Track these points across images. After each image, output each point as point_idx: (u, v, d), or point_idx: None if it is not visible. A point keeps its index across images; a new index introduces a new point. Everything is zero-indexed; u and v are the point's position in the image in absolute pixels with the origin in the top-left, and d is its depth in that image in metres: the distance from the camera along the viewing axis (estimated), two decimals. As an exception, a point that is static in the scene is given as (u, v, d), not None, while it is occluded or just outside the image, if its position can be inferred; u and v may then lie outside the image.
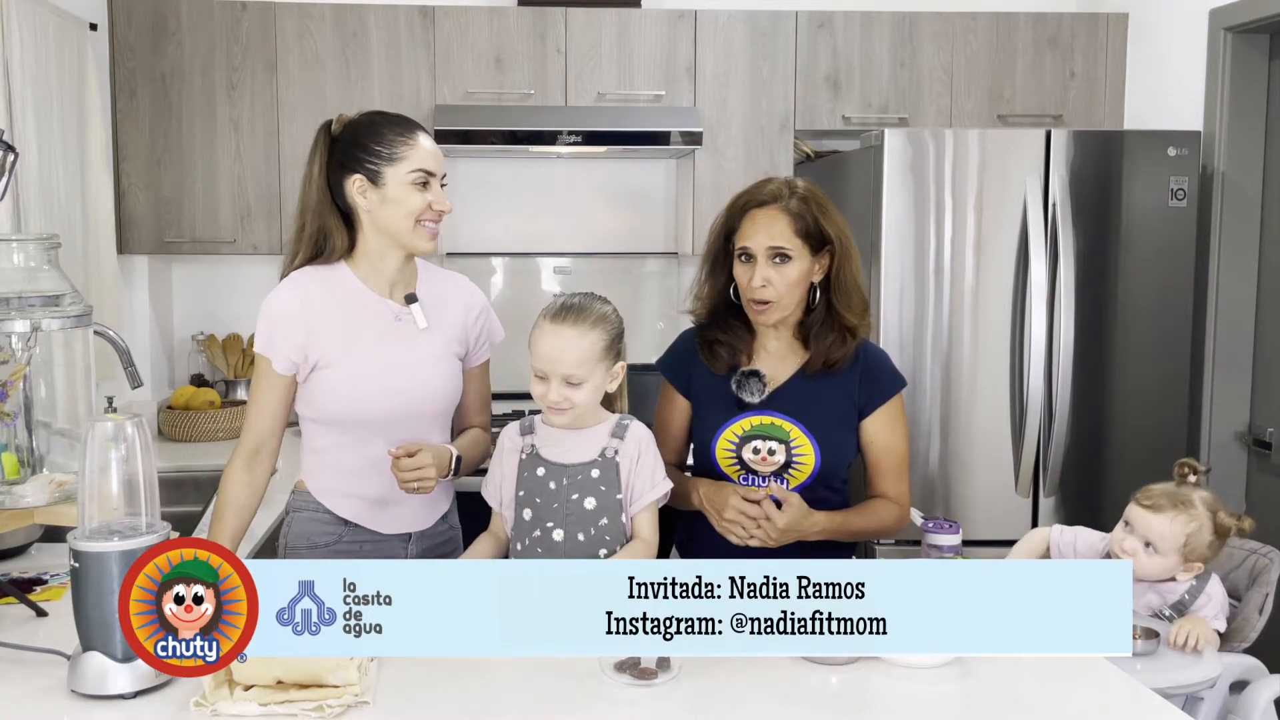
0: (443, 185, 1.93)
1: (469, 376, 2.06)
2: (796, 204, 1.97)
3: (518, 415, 2.72)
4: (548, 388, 1.80)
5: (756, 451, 2.00)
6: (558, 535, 1.82)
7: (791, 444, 1.99)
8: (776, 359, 2.05)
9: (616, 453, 1.83)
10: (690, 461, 2.15)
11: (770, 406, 2.00)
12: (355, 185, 1.89)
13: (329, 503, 1.98)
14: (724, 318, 2.06)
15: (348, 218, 1.94)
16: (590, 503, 1.81)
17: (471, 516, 2.07)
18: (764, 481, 2.00)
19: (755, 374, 2.01)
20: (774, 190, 2.00)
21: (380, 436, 1.92)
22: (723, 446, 2.02)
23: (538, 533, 1.83)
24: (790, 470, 2.00)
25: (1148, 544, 2.07)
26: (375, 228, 1.91)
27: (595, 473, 1.82)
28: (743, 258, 1.98)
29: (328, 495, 1.98)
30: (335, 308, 1.93)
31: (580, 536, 1.81)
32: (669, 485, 1.87)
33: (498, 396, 2.28)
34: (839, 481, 2.06)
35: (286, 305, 1.91)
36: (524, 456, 1.86)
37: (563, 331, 1.80)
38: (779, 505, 1.91)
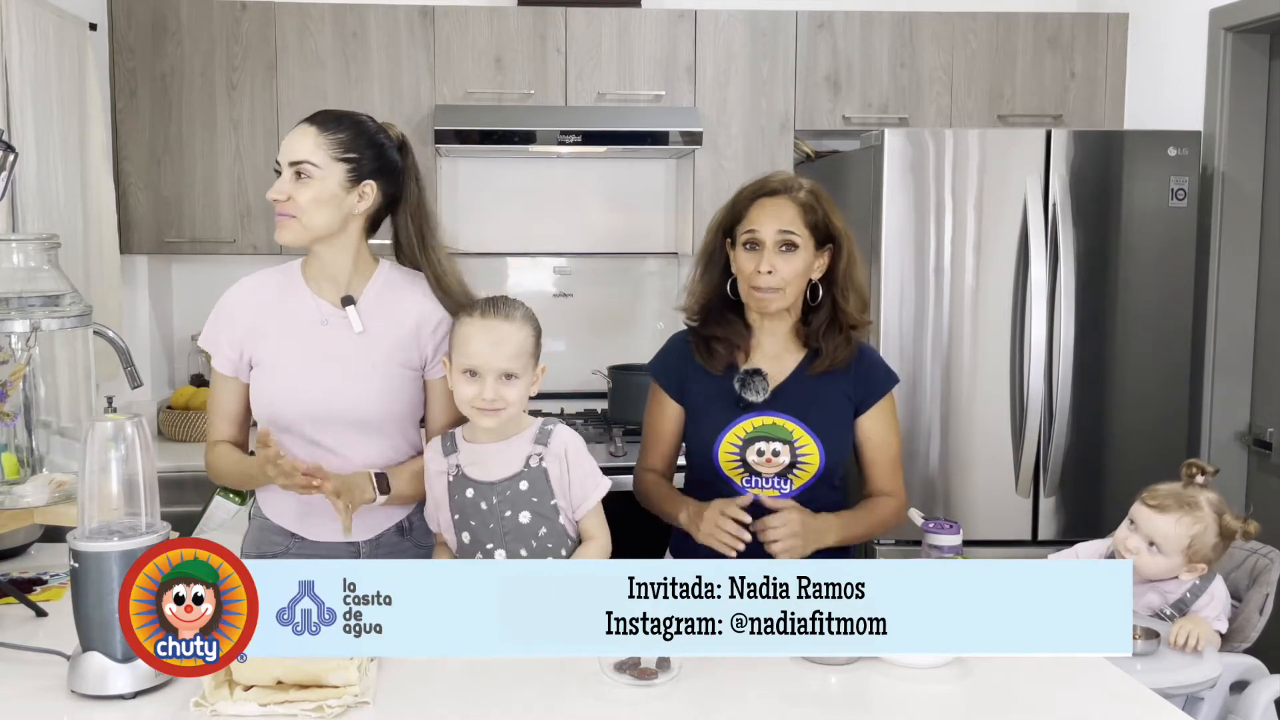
0: (300, 175, 1.83)
1: (433, 389, 1.97)
2: (806, 195, 1.98)
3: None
4: (481, 386, 1.74)
5: (761, 453, 1.98)
6: (499, 555, 1.78)
7: (796, 444, 1.98)
8: (773, 357, 2.03)
9: (542, 459, 1.78)
10: (682, 461, 2.13)
11: (771, 406, 1.99)
12: None
13: (268, 509, 1.96)
14: (720, 313, 2.04)
15: None
16: (525, 516, 1.77)
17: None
18: (768, 484, 1.99)
19: (758, 372, 1.99)
20: (784, 180, 2.01)
21: (304, 439, 1.88)
22: (726, 449, 1.99)
23: (479, 555, 1.79)
24: (795, 470, 1.98)
25: (1151, 543, 2.07)
26: None
27: (524, 485, 1.78)
28: (748, 245, 1.97)
29: (266, 501, 1.97)
30: (272, 307, 1.92)
31: (523, 552, 1.78)
32: (607, 484, 1.83)
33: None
34: (838, 479, 2.05)
35: (230, 301, 1.93)
36: (451, 478, 1.81)
37: (497, 325, 1.76)
38: (757, 514, 1.89)
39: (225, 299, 1.94)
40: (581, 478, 1.80)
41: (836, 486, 2.05)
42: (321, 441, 1.89)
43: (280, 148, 1.88)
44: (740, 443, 1.99)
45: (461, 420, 1.97)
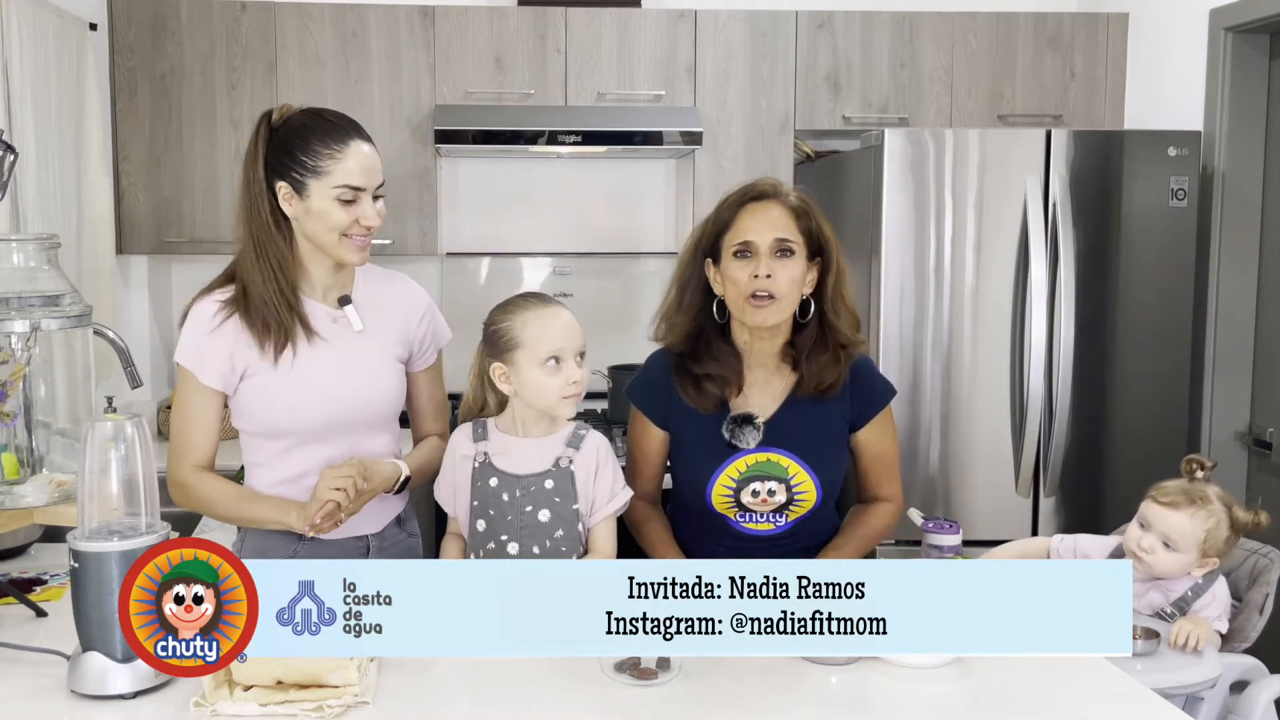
0: (377, 196, 1.83)
1: (417, 381, 1.99)
2: (797, 200, 1.91)
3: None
4: (568, 369, 1.76)
5: (756, 494, 1.91)
6: (512, 549, 1.78)
7: (791, 481, 1.91)
8: (765, 387, 1.95)
9: (571, 462, 1.79)
10: (669, 484, 2.07)
11: (764, 443, 1.91)
12: (282, 192, 1.82)
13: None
14: (708, 343, 1.94)
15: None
16: (544, 515, 1.77)
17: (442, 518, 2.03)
18: (763, 519, 1.94)
19: (748, 419, 1.90)
20: (772, 184, 1.92)
21: (320, 443, 1.86)
22: (719, 492, 1.92)
23: (492, 545, 1.79)
24: (791, 507, 1.93)
25: (1167, 542, 2.07)
26: (303, 234, 1.84)
27: (549, 484, 1.78)
28: (740, 254, 1.86)
29: None
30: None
31: (535, 549, 1.78)
32: (628, 495, 1.82)
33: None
34: (833, 502, 2.01)
35: (205, 313, 1.84)
36: (477, 465, 1.81)
37: (562, 311, 1.79)
38: (753, 549, 1.89)
39: (200, 312, 1.84)
40: (607, 483, 1.81)
41: (832, 511, 2.02)
42: (334, 443, 1.87)
43: (348, 169, 1.79)
44: (734, 484, 1.92)
45: (443, 415, 2.02)
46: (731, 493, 1.93)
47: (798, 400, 1.94)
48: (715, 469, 1.92)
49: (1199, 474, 2.13)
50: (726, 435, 1.91)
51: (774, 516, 1.94)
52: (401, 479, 1.89)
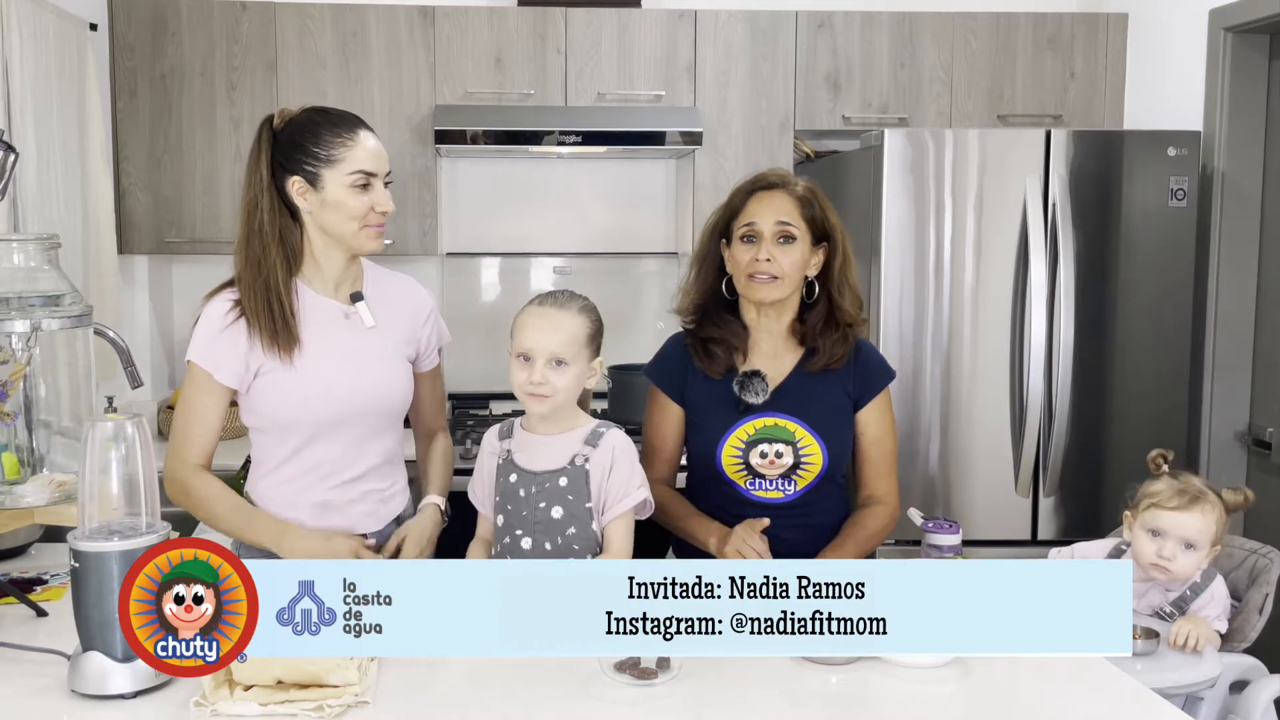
0: (387, 184, 1.88)
1: (422, 380, 2.04)
2: (804, 190, 2.02)
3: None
4: (530, 370, 1.77)
5: (764, 455, 1.98)
6: (526, 543, 1.80)
7: (798, 444, 1.99)
8: (771, 357, 2.04)
9: (587, 460, 1.80)
10: (684, 463, 2.13)
11: (772, 407, 2.00)
12: (295, 187, 1.83)
13: (278, 509, 1.91)
14: (715, 314, 2.06)
15: (294, 214, 1.87)
16: (557, 511, 1.79)
17: (465, 513, 2.04)
18: (772, 485, 2.00)
19: (757, 374, 1.99)
20: (781, 175, 2.05)
21: (330, 439, 1.88)
22: (729, 453, 2.00)
23: (507, 539, 1.82)
24: (799, 471, 1.99)
25: (1189, 545, 2.07)
26: (318, 228, 1.87)
27: (563, 481, 1.79)
28: (746, 238, 1.99)
29: (273, 506, 1.91)
30: None
31: (547, 545, 1.79)
32: (644, 494, 1.82)
33: (498, 397, 2.26)
34: (842, 475, 2.07)
35: (219, 311, 1.85)
36: (501, 461, 1.85)
37: (550, 312, 1.80)
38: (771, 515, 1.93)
39: (213, 311, 1.86)
40: (621, 479, 1.80)
41: (840, 483, 2.07)
42: (344, 440, 1.89)
43: (360, 156, 1.84)
44: (743, 446, 1.99)
45: (443, 412, 2.10)
46: (740, 455, 2.00)
47: (803, 373, 2.03)
48: (725, 431, 2.00)
49: (1165, 467, 2.15)
50: (736, 389, 1.99)
51: (782, 483, 2.00)
52: (443, 512, 1.98)
